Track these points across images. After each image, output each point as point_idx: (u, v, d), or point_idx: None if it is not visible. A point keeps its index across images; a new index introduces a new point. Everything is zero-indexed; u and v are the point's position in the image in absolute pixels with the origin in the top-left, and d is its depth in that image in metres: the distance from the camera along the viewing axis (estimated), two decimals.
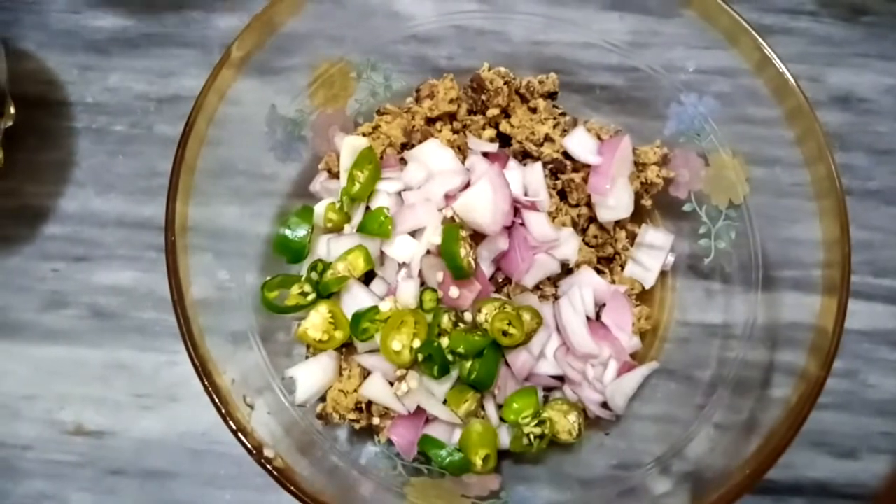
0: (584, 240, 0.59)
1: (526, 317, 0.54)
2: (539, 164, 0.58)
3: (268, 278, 0.56)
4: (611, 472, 0.56)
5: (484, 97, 0.60)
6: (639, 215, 0.61)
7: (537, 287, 0.57)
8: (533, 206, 0.56)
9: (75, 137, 0.68)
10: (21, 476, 0.60)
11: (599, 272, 0.59)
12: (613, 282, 0.59)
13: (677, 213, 0.61)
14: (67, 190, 0.66)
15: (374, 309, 0.53)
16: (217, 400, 0.47)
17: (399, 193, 0.57)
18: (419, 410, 0.54)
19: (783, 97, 0.52)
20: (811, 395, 0.47)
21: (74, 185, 0.67)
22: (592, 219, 0.60)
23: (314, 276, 0.55)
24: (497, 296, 0.55)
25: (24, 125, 0.66)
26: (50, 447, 0.61)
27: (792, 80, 0.51)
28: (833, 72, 0.70)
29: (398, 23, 0.60)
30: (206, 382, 0.47)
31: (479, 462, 0.53)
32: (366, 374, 0.55)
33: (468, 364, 0.53)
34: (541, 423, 0.54)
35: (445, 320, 0.53)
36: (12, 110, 0.65)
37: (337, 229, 0.57)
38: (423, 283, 0.54)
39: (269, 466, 0.46)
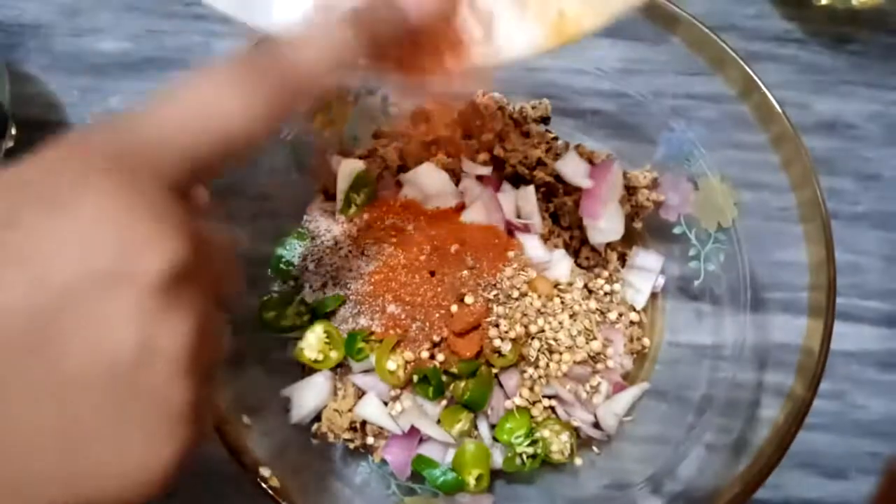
0: (576, 261, 0.60)
1: None
2: (532, 188, 0.59)
3: (265, 298, 0.56)
4: (602, 491, 0.57)
5: (478, 122, 0.61)
6: (629, 237, 0.62)
7: None
8: (526, 229, 0.58)
9: None
10: None
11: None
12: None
13: (667, 235, 0.63)
14: None
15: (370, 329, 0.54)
16: (214, 419, 0.47)
17: None
18: (413, 430, 0.54)
19: (769, 123, 0.53)
20: (798, 415, 0.48)
21: None
22: (584, 241, 0.61)
23: None
24: None
25: (25, 146, 0.67)
26: None
27: (777, 106, 0.52)
28: (820, 98, 0.71)
29: None
30: None
31: (472, 482, 0.53)
32: (360, 393, 0.56)
33: (462, 384, 0.53)
34: (533, 442, 0.54)
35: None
36: (13, 131, 0.66)
37: None
38: None
39: (264, 485, 0.46)
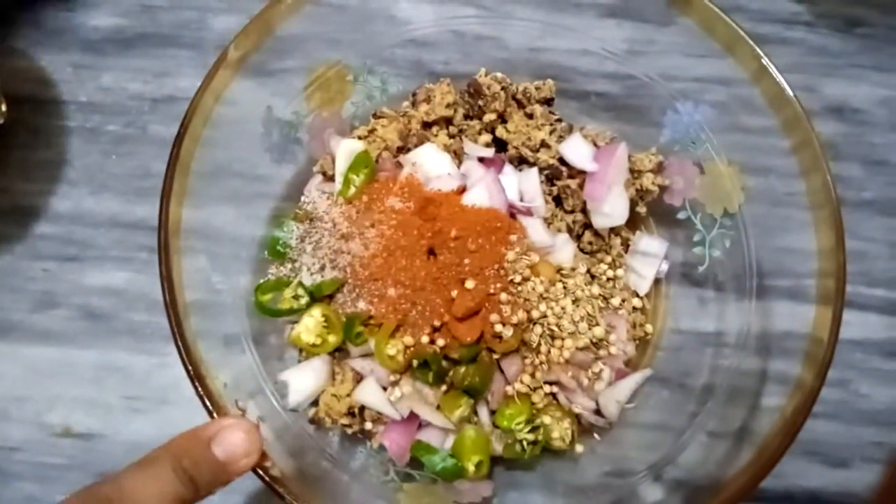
0: (578, 246, 0.59)
1: None
2: (535, 170, 0.58)
3: (261, 281, 0.55)
4: (603, 479, 0.56)
5: (481, 102, 0.60)
6: (633, 222, 0.61)
7: None
8: (529, 212, 0.56)
9: (68, 136, 0.67)
10: (8, 478, 0.60)
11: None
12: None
13: (672, 220, 0.61)
14: (60, 189, 0.66)
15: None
16: (209, 404, 0.46)
17: None
18: (412, 416, 0.53)
19: (780, 107, 0.52)
20: (806, 404, 0.47)
21: (67, 184, 0.66)
22: (587, 225, 0.59)
23: None
24: None
25: (16, 123, 0.65)
26: (38, 449, 0.60)
27: (789, 90, 0.51)
28: (828, 82, 0.70)
29: (396, 27, 0.60)
30: (198, 386, 0.46)
31: (472, 468, 0.52)
32: (359, 378, 0.55)
33: (462, 370, 0.52)
34: (534, 429, 0.54)
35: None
36: (4, 108, 0.64)
37: None
38: None
39: (260, 472, 0.45)
